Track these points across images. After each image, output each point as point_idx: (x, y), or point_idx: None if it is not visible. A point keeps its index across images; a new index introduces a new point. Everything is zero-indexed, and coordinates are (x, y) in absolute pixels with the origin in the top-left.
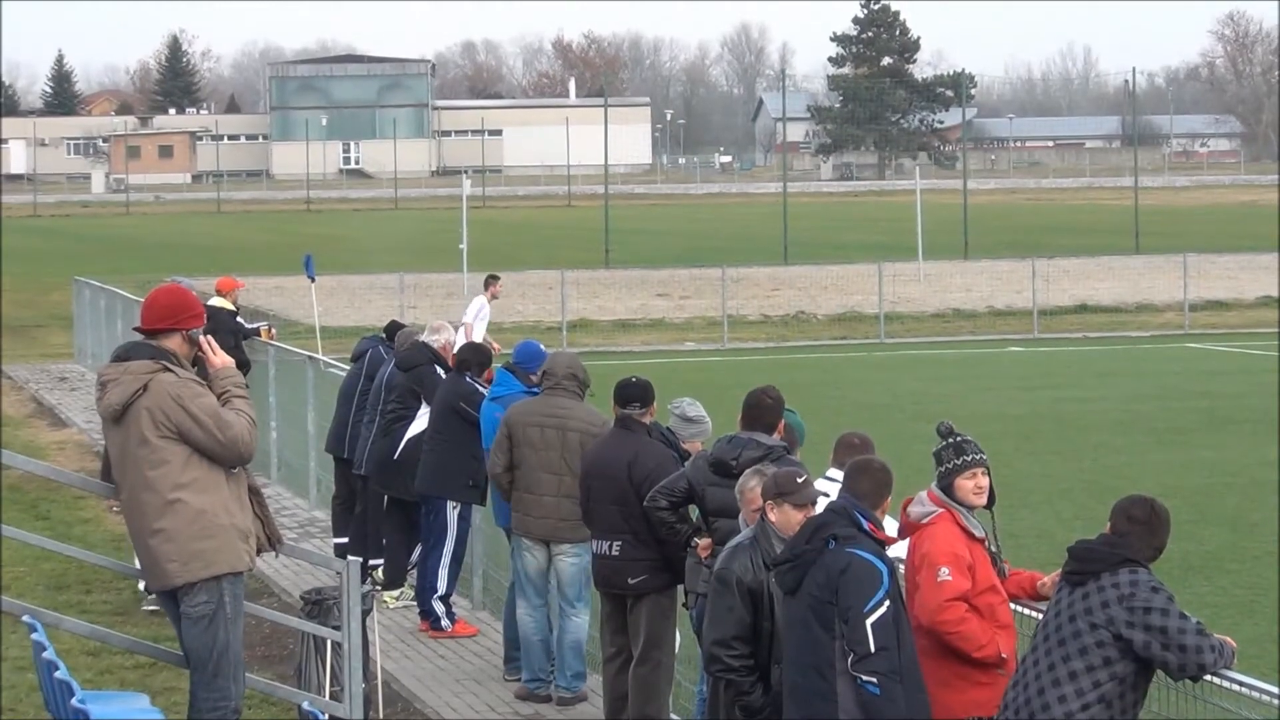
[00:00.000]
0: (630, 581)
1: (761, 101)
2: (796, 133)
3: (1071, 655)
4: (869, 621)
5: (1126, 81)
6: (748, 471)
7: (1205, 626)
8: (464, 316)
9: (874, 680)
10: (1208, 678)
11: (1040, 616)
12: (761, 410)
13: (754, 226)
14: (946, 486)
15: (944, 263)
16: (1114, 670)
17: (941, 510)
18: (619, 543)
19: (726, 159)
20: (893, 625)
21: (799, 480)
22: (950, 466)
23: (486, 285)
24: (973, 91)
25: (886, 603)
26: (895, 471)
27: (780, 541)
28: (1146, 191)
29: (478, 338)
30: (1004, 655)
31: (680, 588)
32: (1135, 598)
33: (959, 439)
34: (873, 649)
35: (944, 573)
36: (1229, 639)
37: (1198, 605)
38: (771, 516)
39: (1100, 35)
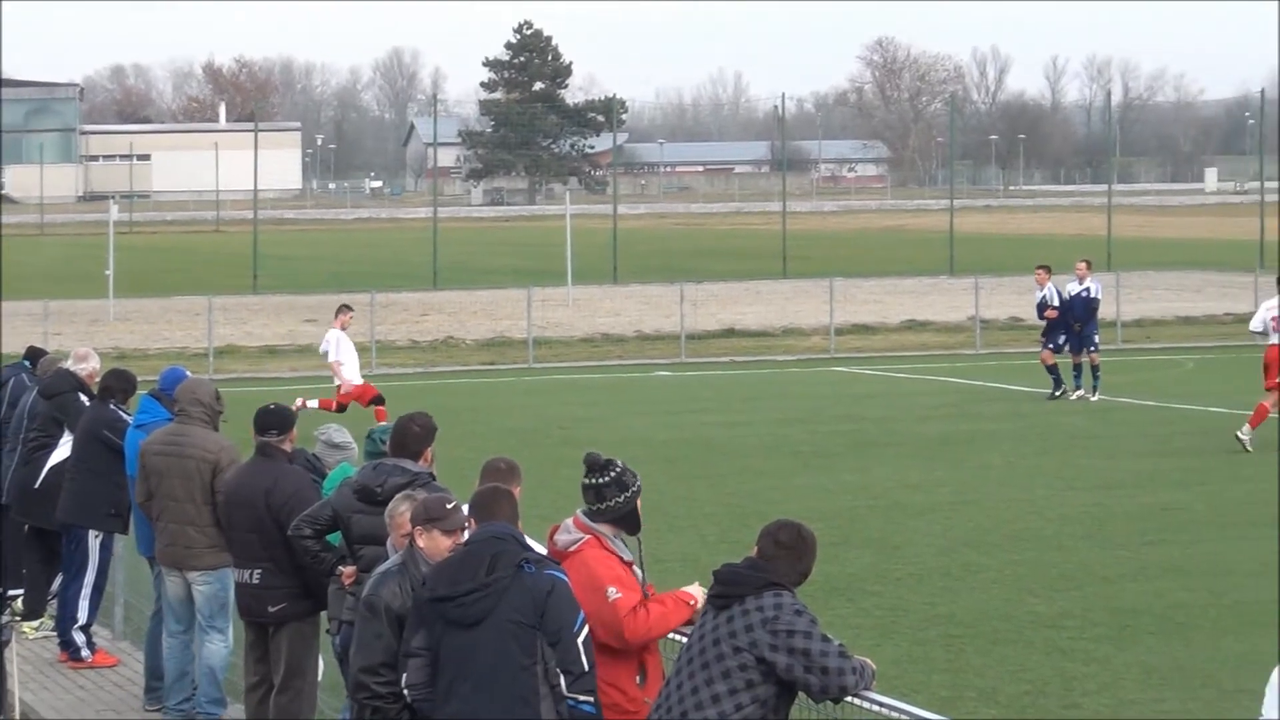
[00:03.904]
0: (270, 610)
1: (413, 126)
2: (448, 158)
3: (715, 678)
4: (579, 641)
5: (776, 107)
6: (398, 496)
7: (847, 649)
8: (329, 357)
9: (590, 700)
10: (849, 699)
11: (685, 640)
12: (409, 438)
13: (404, 252)
14: (628, 515)
15: (593, 287)
16: (756, 693)
17: (588, 536)
18: (259, 571)
19: (377, 184)
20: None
21: (448, 506)
22: (635, 491)
23: (337, 315)
24: (624, 117)
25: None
26: (543, 496)
27: (429, 567)
28: (794, 216)
29: (352, 371)
30: (694, 603)
31: (323, 615)
32: (779, 621)
33: (620, 470)
34: (585, 668)
35: (612, 592)
36: (869, 661)
37: (840, 627)
38: (420, 542)
39: (751, 61)
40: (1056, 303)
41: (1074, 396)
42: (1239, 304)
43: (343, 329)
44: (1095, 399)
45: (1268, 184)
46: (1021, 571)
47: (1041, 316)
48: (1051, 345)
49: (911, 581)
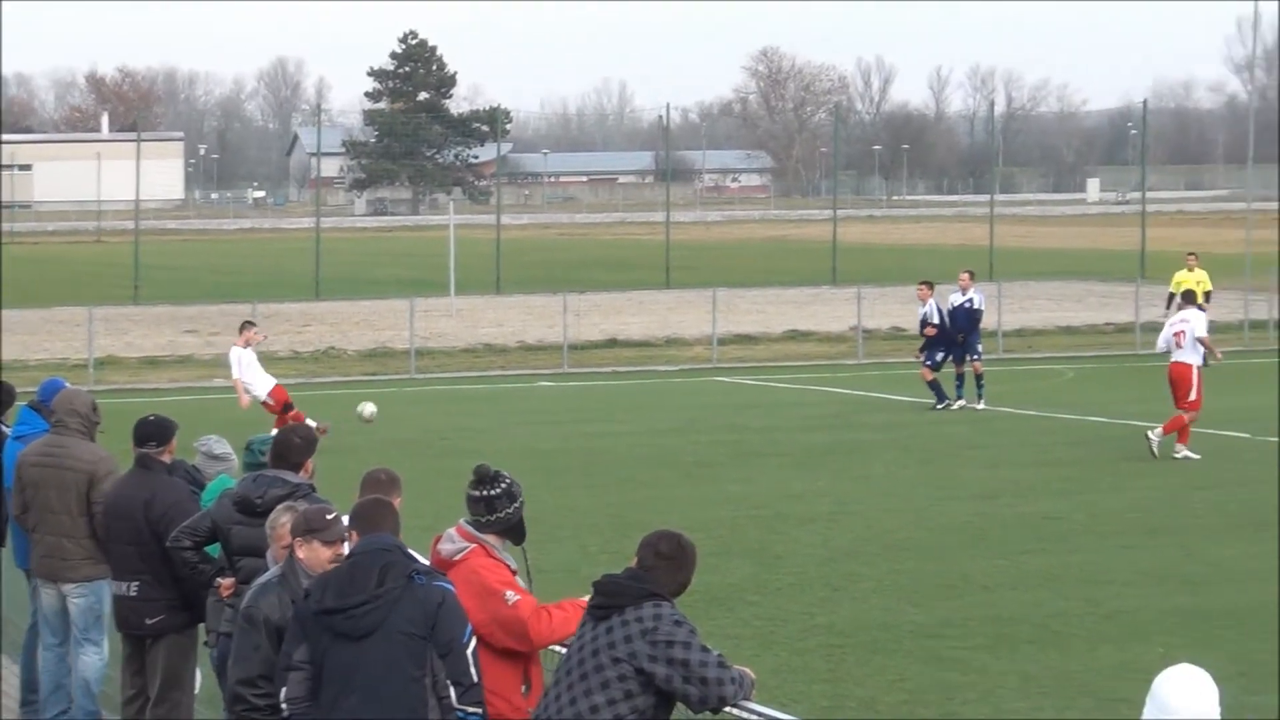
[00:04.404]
0: (148, 622)
1: (296, 136)
2: (331, 168)
3: (594, 689)
4: (469, 652)
5: (660, 117)
6: (279, 508)
7: (726, 659)
8: (233, 374)
9: (478, 711)
10: (728, 709)
11: (565, 650)
12: (290, 450)
13: (286, 262)
14: (515, 525)
15: (476, 298)
16: (635, 704)
17: (473, 545)
18: (136, 583)
19: (260, 194)
20: None
21: (328, 517)
22: (522, 502)
23: (240, 331)
24: (508, 127)
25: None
26: (424, 507)
27: (309, 579)
28: (678, 226)
29: (260, 387)
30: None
31: (201, 627)
32: (658, 631)
33: (509, 482)
34: (474, 679)
35: (510, 595)
36: (749, 670)
37: (719, 637)
38: (300, 553)
39: (636, 71)
40: (937, 320)
41: (956, 406)
42: (1120, 314)
43: (245, 345)
44: (981, 407)
45: (1149, 194)
46: (901, 581)
47: (923, 333)
48: (930, 363)
49: (792, 591)
